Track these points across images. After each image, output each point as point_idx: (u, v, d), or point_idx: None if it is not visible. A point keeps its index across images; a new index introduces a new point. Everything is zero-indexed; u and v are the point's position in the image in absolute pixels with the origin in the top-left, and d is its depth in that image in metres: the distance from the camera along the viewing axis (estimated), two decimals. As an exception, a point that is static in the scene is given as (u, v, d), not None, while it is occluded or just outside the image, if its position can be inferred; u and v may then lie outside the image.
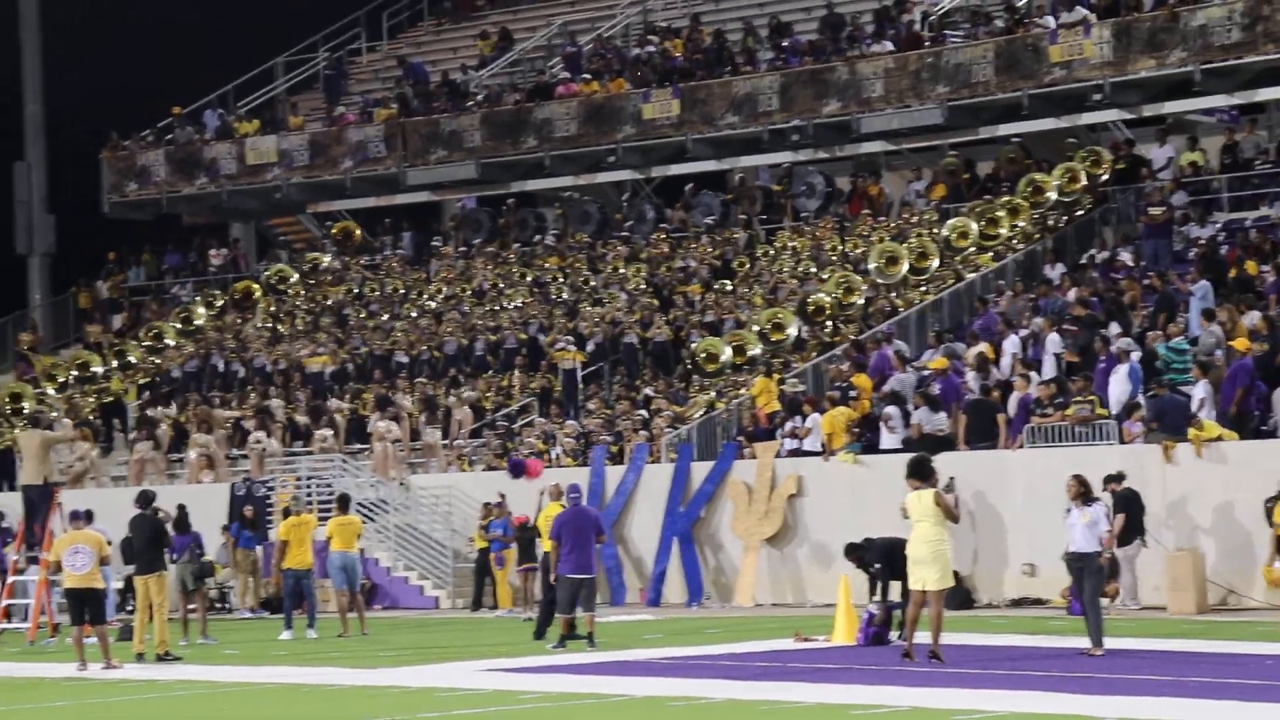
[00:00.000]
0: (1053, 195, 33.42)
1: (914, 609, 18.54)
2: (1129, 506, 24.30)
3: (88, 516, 28.50)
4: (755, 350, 31.10)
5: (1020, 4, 36.92)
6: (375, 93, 45.09)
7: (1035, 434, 26.82)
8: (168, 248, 45.46)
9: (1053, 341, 28.77)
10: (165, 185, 43.89)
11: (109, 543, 22.59)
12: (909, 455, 27.14)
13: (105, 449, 37.12)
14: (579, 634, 21.93)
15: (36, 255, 45.86)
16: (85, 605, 21.18)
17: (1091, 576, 18.84)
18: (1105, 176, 33.98)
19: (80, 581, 21.11)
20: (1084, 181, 33.63)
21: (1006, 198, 33.63)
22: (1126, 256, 31.82)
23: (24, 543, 27.08)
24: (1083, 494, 18.91)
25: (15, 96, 46.38)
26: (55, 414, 36.90)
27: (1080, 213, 34.07)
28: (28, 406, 36.32)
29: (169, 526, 26.38)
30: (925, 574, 18.24)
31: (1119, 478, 24.42)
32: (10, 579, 27.21)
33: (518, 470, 29.85)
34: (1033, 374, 27.86)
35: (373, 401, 34.58)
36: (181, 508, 28.24)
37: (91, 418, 37.62)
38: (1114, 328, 28.51)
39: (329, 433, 33.85)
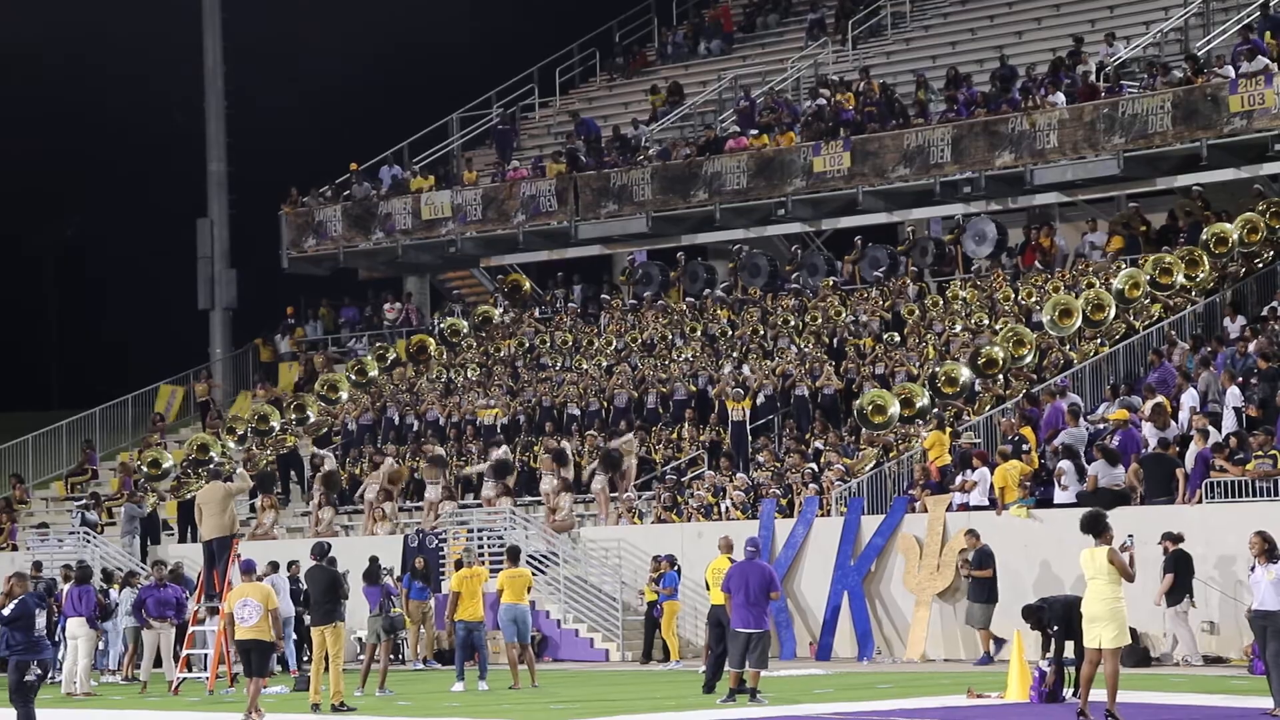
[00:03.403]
0: (1234, 245, 32.78)
1: (1089, 667, 18.21)
2: (1178, 566, 24.87)
3: (273, 567, 29.03)
4: (923, 402, 30.86)
5: (1200, 54, 36.43)
6: (548, 148, 45.56)
7: (1214, 489, 26.31)
8: (344, 301, 46.21)
9: (1233, 395, 28.22)
10: (342, 240, 44.66)
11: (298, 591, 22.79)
12: (1083, 510, 26.93)
13: (283, 500, 37.71)
14: (747, 688, 21.83)
15: (218, 309, 46.78)
16: (251, 656, 21.33)
17: (1276, 635, 18.42)
18: (1283, 229, 33.30)
19: (249, 634, 21.25)
20: (1263, 232, 32.99)
21: (1185, 248, 33.09)
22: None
23: (203, 593, 27.55)
24: (1268, 551, 18.52)
25: (199, 155, 47.52)
26: (232, 465, 37.56)
27: (1260, 264, 33.42)
28: (215, 456, 37.04)
29: (360, 577, 26.78)
30: (1100, 632, 17.92)
31: (1176, 538, 24.90)
32: (190, 629, 27.70)
33: None
34: (1211, 428, 27.34)
35: (541, 455, 34.82)
36: (373, 559, 28.57)
37: (269, 468, 38.26)
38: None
39: (492, 491, 34.17)
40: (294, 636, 30.09)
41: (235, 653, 23.84)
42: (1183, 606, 25.38)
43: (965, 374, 31.05)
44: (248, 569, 22.18)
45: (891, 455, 30.87)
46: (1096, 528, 18.16)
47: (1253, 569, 18.62)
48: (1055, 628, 21.06)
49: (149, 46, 52.90)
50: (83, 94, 57.10)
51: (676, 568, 29.67)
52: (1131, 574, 18.08)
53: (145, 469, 38.08)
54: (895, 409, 30.66)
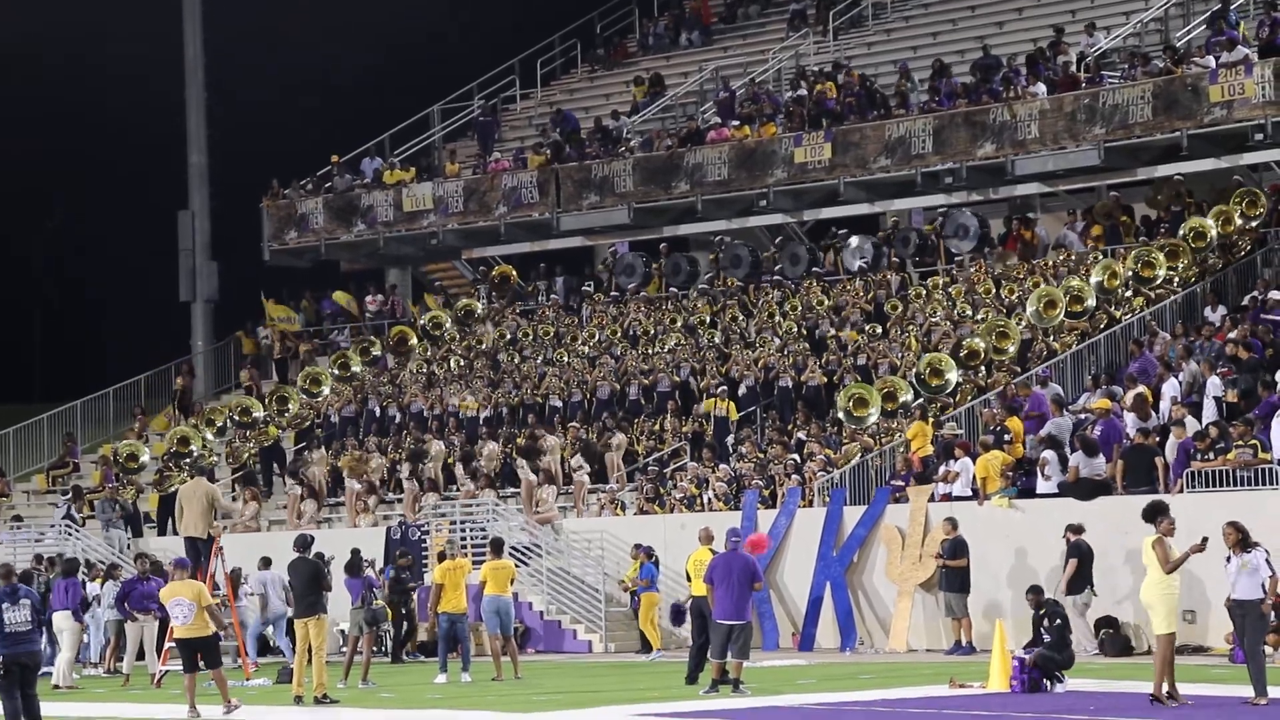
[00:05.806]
0: (1213, 236, 32.83)
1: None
2: (1080, 556, 25.56)
3: (265, 564, 29.04)
4: (906, 396, 30.88)
5: (1179, 44, 36.48)
6: (529, 139, 45.52)
7: (1195, 478, 26.38)
8: (326, 294, 46.15)
9: (1213, 385, 28.29)
10: (324, 232, 44.58)
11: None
12: (1064, 499, 27.03)
13: (265, 493, 37.67)
14: (729, 679, 21.85)
15: (199, 302, 46.68)
16: (197, 653, 21.08)
17: (1253, 624, 18.54)
18: (1258, 219, 33.29)
19: (187, 632, 21.03)
20: (1239, 223, 33.05)
21: (1164, 239, 33.14)
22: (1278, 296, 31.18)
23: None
24: (1240, 541, 18.67)
25: (180, 147, 47.40)
26: (215, 459, 37.52)
27: (1241, 255, 33.49)
28: (196, 449, 36.97)
29: (341, 569, 26.73)
30: (1150, 617, 18.57)
31: (1078, 529, 25.65)
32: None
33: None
34: (1191, 418, 27.41)
35: (521, 446, 34.81)
36: (355, 552, 28.54)
37: (251, 461, 38.21)
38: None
39: (472, 484, 34.15)
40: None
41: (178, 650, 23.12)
42: (1083, 597, 25.94)
43: (953, 373, 31.04)
44: (180, 565, 21.84)
45: (874, 449, 30.90)
46: (1150, 516, 18.78)
47: (1228, 559, 18.74)
48: (1058, 622, 21.20)
49: (137, 42, 52.76)
50: (71, 91, 56.99)
51: (655, 559, 29.69)
52: (1170, 565, 18.49)
53: (123, 462, 38.01)
54: (876, 406, 30.65)
